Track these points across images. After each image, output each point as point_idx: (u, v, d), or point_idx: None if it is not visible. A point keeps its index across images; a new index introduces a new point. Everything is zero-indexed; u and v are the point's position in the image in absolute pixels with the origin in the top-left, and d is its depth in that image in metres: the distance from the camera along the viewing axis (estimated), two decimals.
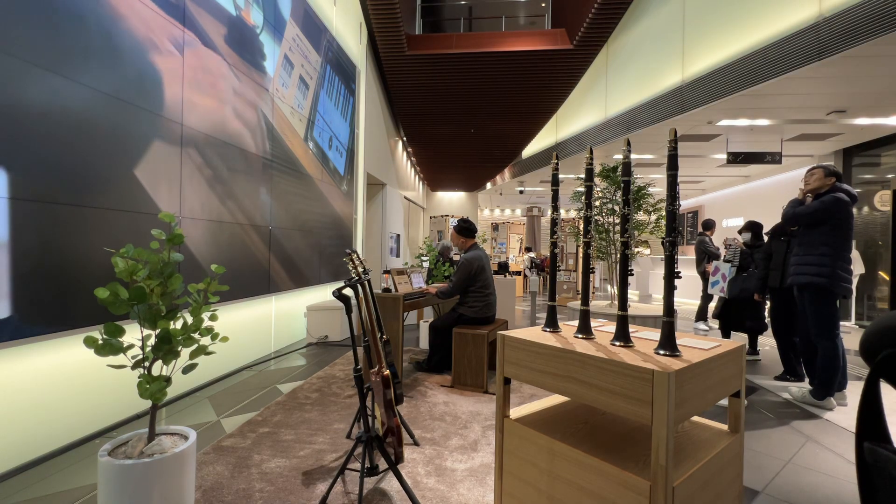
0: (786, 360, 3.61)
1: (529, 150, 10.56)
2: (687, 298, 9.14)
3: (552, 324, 1.58)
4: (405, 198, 11.03)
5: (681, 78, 5.57)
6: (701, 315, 6.07)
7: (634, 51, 6.60)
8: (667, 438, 1.04)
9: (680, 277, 5.25)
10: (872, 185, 6.69)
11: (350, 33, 6.29)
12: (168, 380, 1.52)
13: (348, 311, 1.82)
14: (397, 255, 9.87)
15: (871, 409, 0.69)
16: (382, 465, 2.04)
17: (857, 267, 5.88)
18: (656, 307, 8.24)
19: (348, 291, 1.87)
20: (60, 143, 2.10)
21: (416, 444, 2.31)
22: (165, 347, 1.52)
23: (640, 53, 6.47)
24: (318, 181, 5.14)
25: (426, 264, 6.81)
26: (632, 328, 1.50)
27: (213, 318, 1.66)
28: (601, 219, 8.00)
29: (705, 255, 5.86)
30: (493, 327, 3.44)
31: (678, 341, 1.32)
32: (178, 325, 1.59)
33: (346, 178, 6.05)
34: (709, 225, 6.03)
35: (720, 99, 4.92)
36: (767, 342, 4.99)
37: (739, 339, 4.81)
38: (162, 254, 1.55)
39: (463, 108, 8.45)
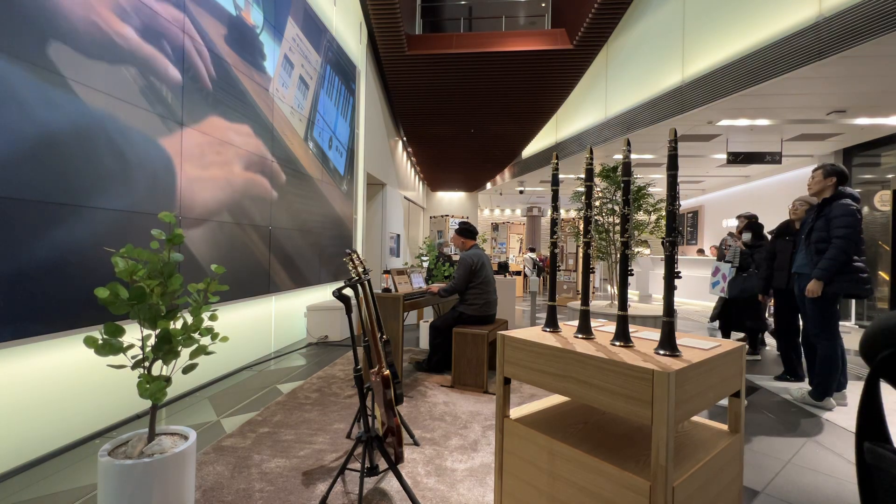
0: (787, 360, 3.60)
1: (529, 150, 10.56)
2: (687, 298, 9.14)
3: (552, 324, 1.58)
4: (405, 198, 11.03)
5: (681, 78, 5.57)
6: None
7: (634, 51, 6.60)
8: (667, 438, 1.04)
9: (680, 277, 5.24)
10: (872, 185, 6.69)
11: (350, 33, 6.29)
12: (168, 380, 1.52)
13: (348, 311, 1.82)
14: (397, 255, 9.87)
15: (871, 409, 0.69)
16: (382, 465, 2.04)
17: None
18: (656, 307, 8.24)
19: (348, 291, 1.87)
20: (60, 142, 2.10)
21: (416, 444, 2.31)
22: (165, 347, 1.52)
23: (639, 53, 6.47)
24: (318, 181, 5.14)
25: (426, 264, 6.81)
26: (632, 328, 1.50)
27: (213, 318, 1.66)
28: (601, 219, 8.00)
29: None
30: (493, 327, 3.44)
31: (678, 341, 1.32)
32: (178, 325, 1.59)
33: (346, 178, 6.05)
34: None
35: (720, 99, 4.92)
36: (767, 342, 4.99)
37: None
38: (162, 254, 1.55)
39: (463, 108, 8.45)
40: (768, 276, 3.72)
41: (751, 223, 4.36)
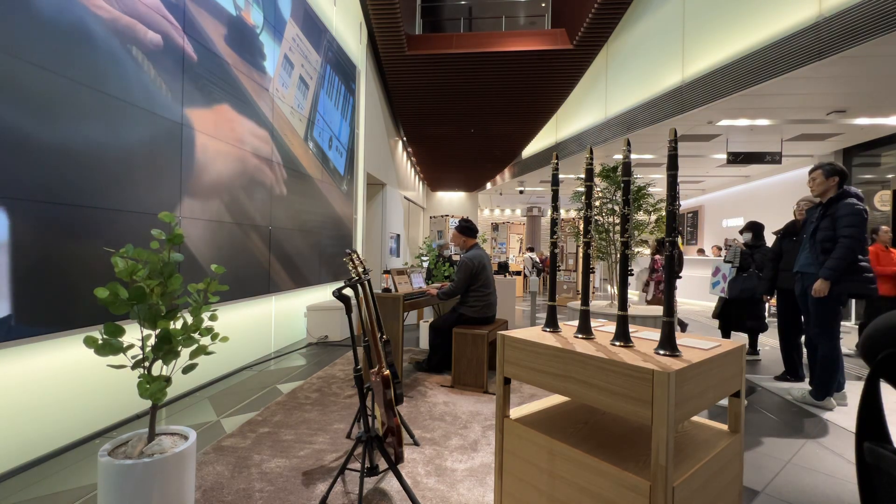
0: (788, 360, 3.59)
1: (529, 150, 10.56)
2: (687, 298, 9.14)
3: (552, 324, 1.58)
4: (405, 198, 11.03)
5: (680, 78, 5.57)
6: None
7: (634, 51, 6.60)
8: (667, 438, 1.04)
9: (680, 277, 5.24)
10: (872, 185, 6.69)
11: (350, 33, 6.29)
12: (168, 380, 1.52)
13: (348, 311, 1.82)
14: (397, 255, 9.87)
15: (871, 409, 0.69)
16: (382, 465, 2.04)
17: None
18: (656, 307, 8.23)
19: (348, 291, 1.87)
20: (58, 141, 2.10)
21: (416, 444, 2.31)
22: (165, 347, 1.52)
23: (639, 53, 6.47)
24: (318, 181, 5.14)
25: (426, 264, 6.81)
26: (632, 328, 1.50)
27: (213, 318, 1.66)
28: (601, 219, 7.98)
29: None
30: (493, 327, 3.44)
31: (678, 341, 1.32)
32: (178, 325, 1.59)
33: (346, 178, 6.05)
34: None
35: (720, 99, 4.92)
36: (767, 342, 4.99)
37: (740, 338, 4.80)
38: (162, 254, 1.55)
39: (463, 108, 8.45)
40: (773, 276, 3.70)
41: (751, 223, 4.36)
